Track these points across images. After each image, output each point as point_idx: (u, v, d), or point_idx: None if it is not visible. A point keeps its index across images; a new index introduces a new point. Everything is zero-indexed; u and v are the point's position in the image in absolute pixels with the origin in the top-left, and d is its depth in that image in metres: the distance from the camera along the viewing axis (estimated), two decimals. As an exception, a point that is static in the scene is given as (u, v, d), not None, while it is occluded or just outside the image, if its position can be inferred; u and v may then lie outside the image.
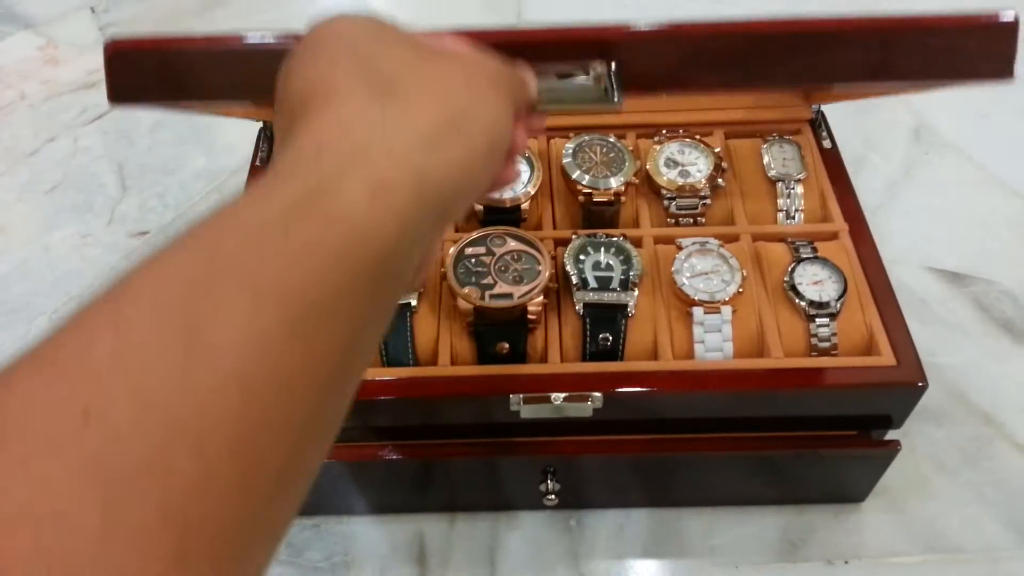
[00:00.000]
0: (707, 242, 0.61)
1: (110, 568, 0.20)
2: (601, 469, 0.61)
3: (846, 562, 0.62)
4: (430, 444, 0.60)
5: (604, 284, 0.59)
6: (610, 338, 0.57)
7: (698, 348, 0.58)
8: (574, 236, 0.62)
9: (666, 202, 0.65)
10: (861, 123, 0.93)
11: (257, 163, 0.69)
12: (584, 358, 0.58)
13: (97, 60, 1.04)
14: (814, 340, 0.58)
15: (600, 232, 0.62)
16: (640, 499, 0.65)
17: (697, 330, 0.58)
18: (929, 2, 0.46)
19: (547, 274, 0.58)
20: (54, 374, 0.22)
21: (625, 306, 0.58)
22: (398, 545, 0.64)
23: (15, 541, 0.19)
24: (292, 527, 0.63)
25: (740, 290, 0.58)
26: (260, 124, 0.72)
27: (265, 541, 0.25)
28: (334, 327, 0.26)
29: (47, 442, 0.21)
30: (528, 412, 0.55)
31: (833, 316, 0.58)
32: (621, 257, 0.60)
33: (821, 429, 0.59)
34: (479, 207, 0.63)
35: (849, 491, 0.64)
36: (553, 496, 0.60)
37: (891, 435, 0.61)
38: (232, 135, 0.93)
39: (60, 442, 0.21)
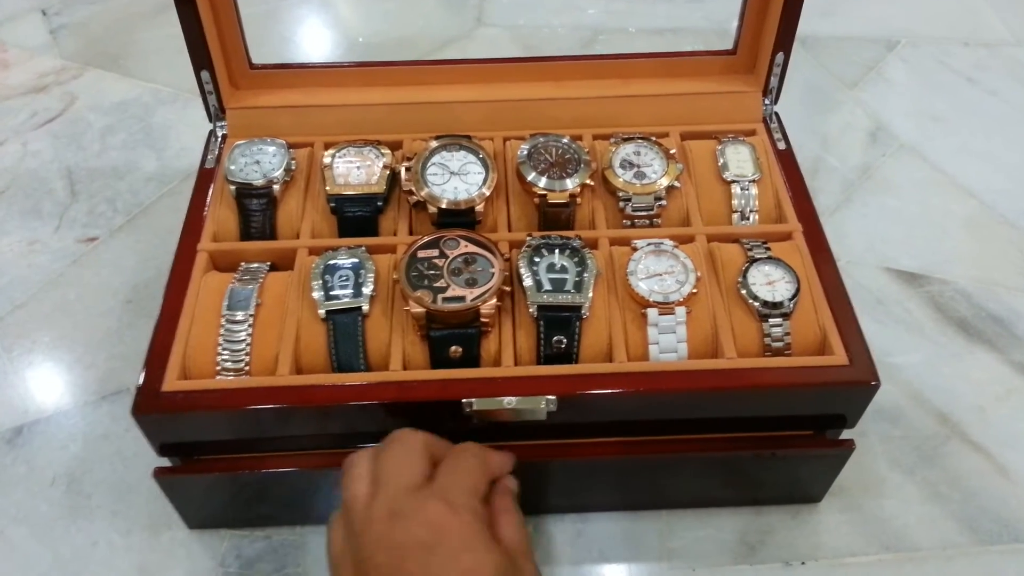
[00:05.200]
0: (662, 243, 0.61)
1: None
2: (557, 473, 0.61)
3: (803, 563, 0.62)
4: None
5: (558, 286, 0.58)
6: (564, 340, 0.57)
7: (652, 349, 0.57)
8: (528, 238, 0.61)
9: (622, 203, 0.65)
10: (819, 126, 0.94)
11: (206, 165, 0.68)
12: (539, 361, 0.57)
13: (48, 63, 1.02)
14: (767, 340, 0.57)
15: (555, 234, 0.61)
16: (597, 503, 0.64)
17: (651, 331, 0.57)
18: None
19: (500, 276, 0.58)
20: None
21: (579, 308, 0.57)
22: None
23: None
24: (243, 539, 0.62)
25: (694, 291, 0.58)
26: (211, 126, 0.70)
27: None
28: None
29: None
30: (482, 416, 0.55)
31: (786, 316, 0.58)
32: (576, 259, 0.60)
33: (776, 429, 0.59)
34: (432, 209, 0.63)
35: (806, 491, 0.64)
36: None
37: (846, 434, 0.61)
38: (185, 138, 0.91)
39: None
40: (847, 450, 0.59)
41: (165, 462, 0.59)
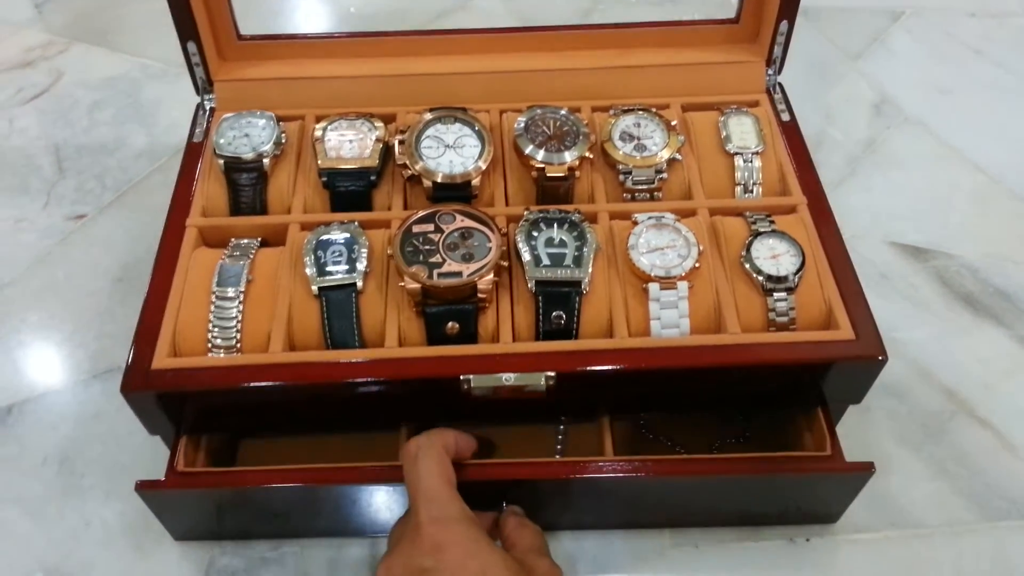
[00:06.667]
0: (663, 217, 0.59)
1: None
2: (562, 493, 0.57)
3: (808, 539, 0.61)
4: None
5: (557, 261, 0.57)
6: (563, 316, 0.55)
7: (654, 325, 0.56)
8: (526, 212, 0.59)
9: (622, 177, 0.63)
10: (822, 98, 0.92)
11: (194, 139, 0.66)
12: (538, 337, 0.56)
13: (34, 38, 1.00)
14: (772, 315, 0.56)
15: (553, 208, 0.60)
16: (599, 522, 0.60)
17: (653, 306, 0.56)
18: None
19: (498, 251, 0.56)
20: None
21: (579, 283, 0.56)
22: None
23: None
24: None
25: (696, 265, 0.57)
26: (199, 100, 0.68)
27: None
28: None
29: None
30: (480, 392, 0.53)
31: (791, 290, 0.56)
32: (575, 233, 0.58)
33: (781, 405, 0.58)
34: (427, 183, 0.61)
35: (822, 512, 0.60)
36: None
37: (852, 409, 0.60)
38: (175, 113, 0.89)
39: None
40: (866, 473, 0.54)
41: (157, 441, 0.58)
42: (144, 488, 0.54)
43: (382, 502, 0.57)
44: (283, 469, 0.54)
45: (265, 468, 0.55)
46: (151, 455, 0.63)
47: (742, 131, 0.65)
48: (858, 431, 0.64)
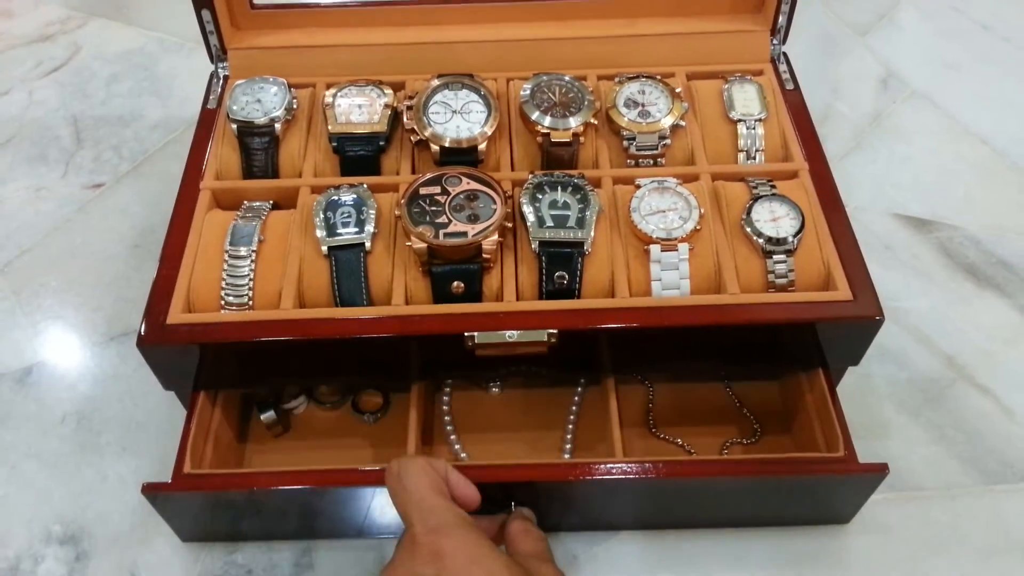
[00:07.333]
0: (665, 181, 0.60)
1: None
2: (567, 494, 0.56)
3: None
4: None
5: (561, 222, 0.58)
6: (566, 276, 0.57)
7: (655, 286, 0.57)
8: (531, 175, 0.61)
9: (626, 143, 0.64)
10: (829, 72, 0.92)
11: (208, 106, 0.67)
12: (541, 297, 0.57)
13: (53, 12, 1.01)
14: (771, 276, 0.57)
15: (557, 172, 0.61)
16: (615, 523, 0.60)
17: (654, 268, 0.57)
18: None
19: (502, 213, 0.57)
20: None
21: (582, 244, 0.57)
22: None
23: None
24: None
25: (697, 227, 0.58)
26: (213, 68, 0.70)
27: None
28: None
29: None
30: (484, 349, 0.55)
31: (790, 252, 0.57)
32: (578, 196, 0.59)
33: (779, 365, 0.59)
34: (435, 147, 0.62)
35: (834, 512, 0.59)
36: None
37: (852, 374, 0.60)
38: (189, 87, 0.91)
39: None
40: (880, 474, 0.54)
41: (172, 397, 0.60)
42: (150, 491, 0.54)
43: (389, 504, 0.54)
44: (291, 471, 0.54)
45: (273, 471, 0.56)
46: (166, 413, 0.65)
47: (745, 99, 0.66)
48: (858, 396, 0.65)
